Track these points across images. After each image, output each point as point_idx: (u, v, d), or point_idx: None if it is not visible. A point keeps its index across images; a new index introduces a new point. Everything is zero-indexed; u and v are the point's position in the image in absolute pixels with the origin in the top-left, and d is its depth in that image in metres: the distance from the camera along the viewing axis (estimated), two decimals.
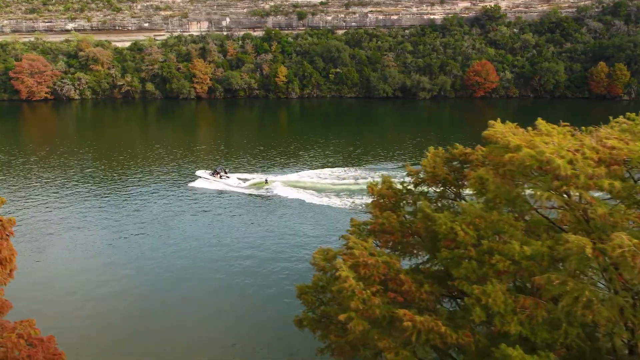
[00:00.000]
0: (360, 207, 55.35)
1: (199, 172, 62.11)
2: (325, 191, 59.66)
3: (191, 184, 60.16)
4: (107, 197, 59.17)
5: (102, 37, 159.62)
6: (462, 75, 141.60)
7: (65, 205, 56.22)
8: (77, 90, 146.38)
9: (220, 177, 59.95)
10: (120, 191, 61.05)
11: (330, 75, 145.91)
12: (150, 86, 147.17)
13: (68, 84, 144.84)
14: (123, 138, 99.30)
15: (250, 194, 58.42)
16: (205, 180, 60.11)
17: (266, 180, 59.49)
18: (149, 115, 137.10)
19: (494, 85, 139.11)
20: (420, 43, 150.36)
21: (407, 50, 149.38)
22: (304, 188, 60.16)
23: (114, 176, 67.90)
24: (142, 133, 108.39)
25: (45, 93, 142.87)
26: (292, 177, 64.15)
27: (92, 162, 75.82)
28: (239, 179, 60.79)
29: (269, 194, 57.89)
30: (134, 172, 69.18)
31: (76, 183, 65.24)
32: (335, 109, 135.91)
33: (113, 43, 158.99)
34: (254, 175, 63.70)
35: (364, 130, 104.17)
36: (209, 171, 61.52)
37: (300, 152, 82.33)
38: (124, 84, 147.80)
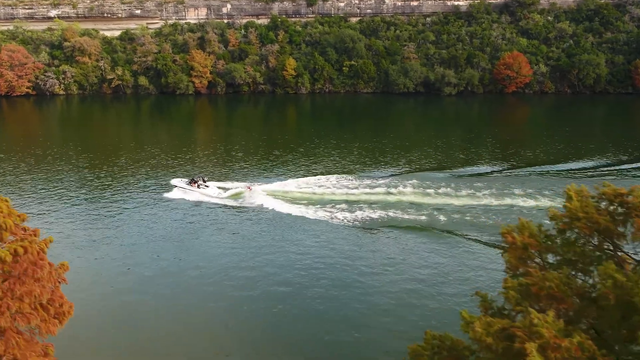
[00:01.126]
0: (401, 219, 51.38)
1: (174, 181, 59.66)
2: (359, 203, 55.13)
3: (166, 195, 57.92)
4: (80, 205, 56.72)
5: (89, 26, 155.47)
6: (492, 68, 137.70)
7: (47, 216, 53.12)
8: (62, 85, 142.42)
9: (198, 186, 57.72)
10: (91, 201, 58.20)
11: (344, 69, 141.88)
12: (143, 80, 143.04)
13: (52, 78, 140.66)
14: (108, 138, 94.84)
15: (239, 207, 54.88)
16: (181, 190, 57.87)
17: (249, 188, 56.87)
18: (142, 112, 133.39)
19: (527, 80, 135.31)
20: (444, 32, 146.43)
21: (429, 41, 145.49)
22: (335, 202, 55.23)
23: (89, 183, 64.82)
24: (131, 133, 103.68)
25: (27, 88, 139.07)
26: (307, 186, 59.86)
27: (71, 167, 72.38)
28: (219, 188, 58.78)
29: (264, 208, 53.86)
30: (111, 180, 65.85)
31: (55, 190, 61.96)
32: (350, 106, 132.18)
33: (101, 32, 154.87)
34: (236, 184, 60.95)
35: (383, 130, 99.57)
36: (186, 180, 59.39)
37: (313, 156, 77.57)
38: (114, 78, 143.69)
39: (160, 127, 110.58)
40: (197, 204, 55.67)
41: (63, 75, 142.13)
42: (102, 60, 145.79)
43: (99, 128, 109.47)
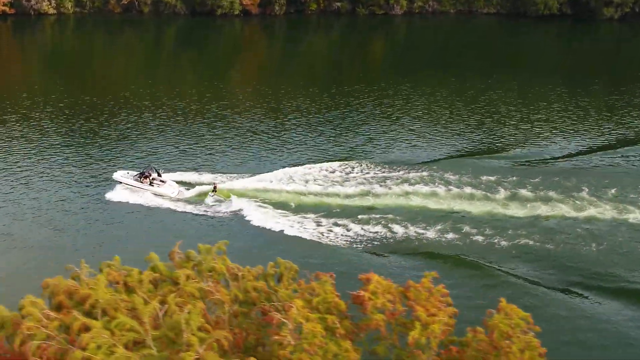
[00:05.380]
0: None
1: (118, 175, 56.67)
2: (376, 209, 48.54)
3: (107, 195, 54.04)
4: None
5: None
6: None
7: None
8: (53, 2, 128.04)
9: (151, 182, 55.56)
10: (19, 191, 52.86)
11: None
12: None
13: None
14: (84, 89, 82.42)
15: (207, 214, 50.44)
16: (127, 189, 55.31)
17: (214, 187, 54.80)
18: (159, 44, 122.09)
19: None
20: None
21: None
22: (344, 209, 49.08)
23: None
24: (123, 79, 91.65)
25: (4, 5, 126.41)
26: (315, 180, 55.45)
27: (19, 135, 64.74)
28: (179, 182, 56.84)
29: (238, 216, 49.86)
30: (38, 163, 58.85)
31: None
32: (460, 35, 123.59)
33: None
34: (206, 176, 57.97)
35: (500, 73, 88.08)
36: (134, 173, 57.08)
37: (371, 124, 67.15)
38: None
39: (173, 71, 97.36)
40: (148, 209, 52.12)
41: None
42: None
43: (79, 69, 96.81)
